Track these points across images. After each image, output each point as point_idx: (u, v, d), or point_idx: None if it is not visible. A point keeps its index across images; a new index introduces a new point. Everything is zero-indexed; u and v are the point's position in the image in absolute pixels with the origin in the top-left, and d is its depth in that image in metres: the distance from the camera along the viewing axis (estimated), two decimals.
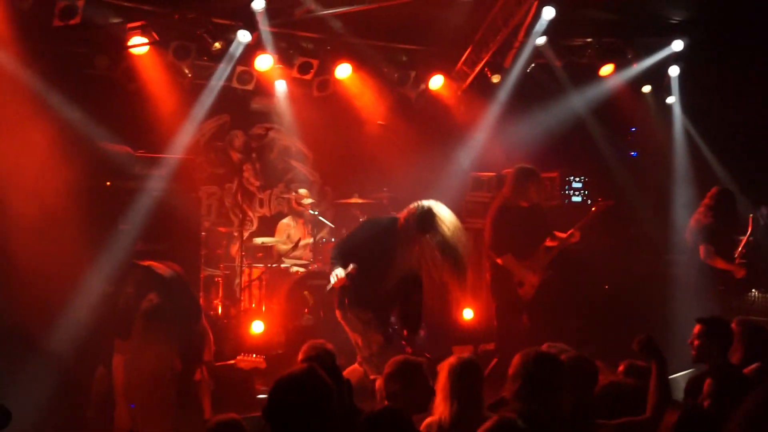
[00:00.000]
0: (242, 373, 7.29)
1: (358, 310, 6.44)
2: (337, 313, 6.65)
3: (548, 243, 7.88)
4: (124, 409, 6.04)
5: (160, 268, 6.29)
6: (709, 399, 4.11)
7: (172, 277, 6.24)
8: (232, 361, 6.86)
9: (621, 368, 4.80)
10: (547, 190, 9.40)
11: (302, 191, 9.43)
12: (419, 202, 6.26)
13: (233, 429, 3.69)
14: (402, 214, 6.35)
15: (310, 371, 3.26)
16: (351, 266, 6.23)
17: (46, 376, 6.53)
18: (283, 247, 9.06)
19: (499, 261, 7.72)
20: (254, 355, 7.10)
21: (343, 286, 6.39)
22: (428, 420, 4.27)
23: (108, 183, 7.34)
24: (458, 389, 4.21)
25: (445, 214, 6.20)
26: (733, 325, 5.21)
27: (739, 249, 7.94)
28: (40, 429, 6.05)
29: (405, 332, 6.71)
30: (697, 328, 5.03)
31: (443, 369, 4.29)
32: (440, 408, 4.23)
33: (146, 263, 6.38)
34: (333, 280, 6.29)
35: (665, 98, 10.50)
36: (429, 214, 6.17)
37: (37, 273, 7.03)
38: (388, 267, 6.36)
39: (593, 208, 8.10)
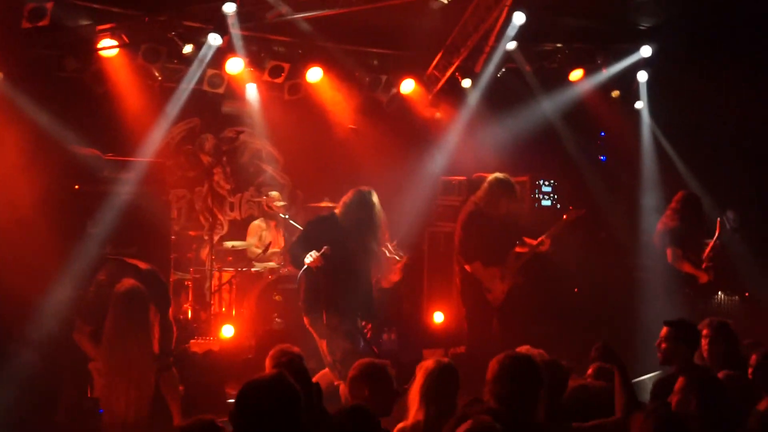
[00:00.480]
0: (216, 371, 7.30)
1: (327, 315, 6.47)
2: (305, 319, 6.67)
3: (518, 249, 7.92)
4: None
5: (133, 261, 6.32)
6: (679, 395, 4.17)
7: (145, 268, 6.27)
8: (185, 345, 6.83)
9: (590, 371, 4.86)
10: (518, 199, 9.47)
11: (274, 194, 9.41)
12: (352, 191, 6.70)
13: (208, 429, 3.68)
14: (338, 206, 6.75)
15: (278, 376, 3.25)
16: (324, 247, 6.34)
17: (14, 382, 6.47)
18: (256, 251, 9.03)
19: (467, 267, 7.75)
20: (209, 338, 7.12)
21: (311, 289, 6.41)
22: (401, 425, 4.28)
23: (77, 186, 7.28)
24: (435, 394, 4.22)
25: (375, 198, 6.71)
26: (702, 325, 5.29)
27: (706, 252, 8.04)
28: None
29: (368, 333, 6.75)
30: (664, 330, 5.07)
31: (420, 373, 4.30)
32: (414, 412, 4.24)
33: (118, 257, 6.40)
34: (308, 260, 6.36)
35: (633, 103, 10.61)
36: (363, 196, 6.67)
37: (5, 277, 6.98)
38: (342, 259, 6.48)
39: (564, 217, 8.14)
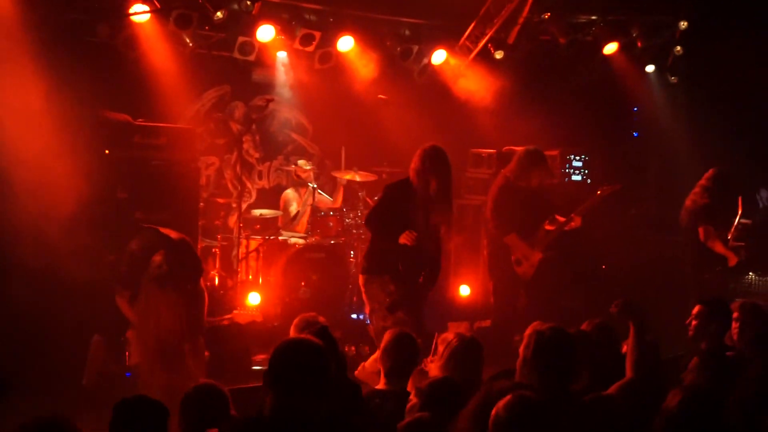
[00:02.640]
0: (241, 337, 7.35)
1: (388, 279, 6.42)
2: (361, 277, 6.61)
3: (547, 227, 7.86)
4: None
5: (166, 230, 6.35)
6: (691, 374, 4.14)
7: (177, 238, 6.29)
8: (229, 316, 6.88)
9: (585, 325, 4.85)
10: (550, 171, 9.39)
11: (302, 162, 9.41)
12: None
13: (213, 394, 3.73)
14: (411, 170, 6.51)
15: (309, 339, 3.34)
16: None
17: (43, 346, 6.57)
18: (292, 211, 9.05)
19: (505, 240, 7.70)
20: (253, 311, 7.17)
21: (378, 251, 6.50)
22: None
23: (107, 151, 7.32)
24: (460, 368, 4.21)
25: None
26: (733, 307, 5.24)
27: (732, 231, 7.93)
28: (39, 397, 6.09)
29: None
30: (696, 308, 5.04)
31: (442, 347, 4.30)
32: None
33: (151, 226, 6.43)
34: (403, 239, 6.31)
35: (668, 77, 10.44)
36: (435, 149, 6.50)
37: (36, 240, 7.06)
38: (409, 223, 6.37)
39: (598, 192, 8.08)
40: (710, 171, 8.04)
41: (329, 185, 9.95)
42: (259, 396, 3.85)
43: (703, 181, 8.00)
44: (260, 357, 7.33)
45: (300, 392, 3.13)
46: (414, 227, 6.36)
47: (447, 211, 6.50)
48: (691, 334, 5.02)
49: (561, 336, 3.90)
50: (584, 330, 4.69)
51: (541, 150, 7.81)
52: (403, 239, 6.28)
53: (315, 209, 9.22)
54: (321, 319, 4.80)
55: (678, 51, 10.14)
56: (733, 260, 7.76)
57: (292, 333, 4.81)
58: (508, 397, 3.14)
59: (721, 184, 7.90)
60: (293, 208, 9.26)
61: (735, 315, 5.18)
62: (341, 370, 4.06)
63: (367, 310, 6.63)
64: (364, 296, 6.60)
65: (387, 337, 4.64)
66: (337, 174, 9.41)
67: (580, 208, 7.87)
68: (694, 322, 5.02)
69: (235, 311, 7.22)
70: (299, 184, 9.41)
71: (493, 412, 3.11)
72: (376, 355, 5.08)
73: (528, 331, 4.00)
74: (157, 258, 6.12)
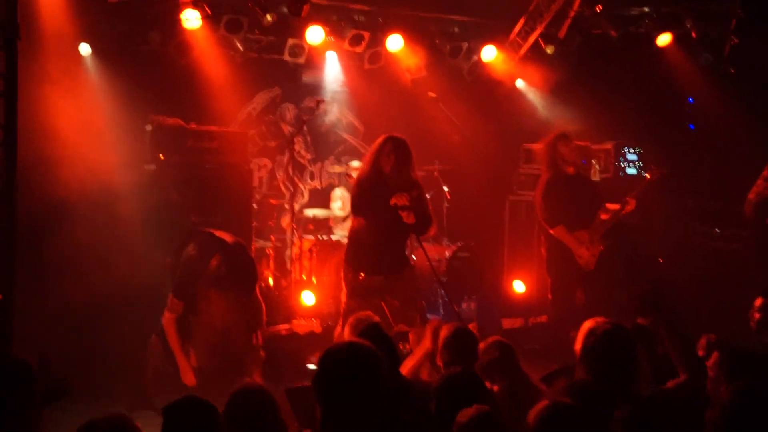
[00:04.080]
0: (296, 339, 7.39)
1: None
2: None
3: (603, 216, 7.78)
4: (186, 365, 6.17)
5: (221, 234, 6.40)
6: (712, 371, 4.01)
7: (233, 243, 6.35)
8: (288, 325, 6.93)
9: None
10: (601, 161, 9.28)
11: (355, 163, 9.44)
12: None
13: (258, 396, 3.70)
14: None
15: (357, 342, 3.26)
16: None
17: (101, 348, 6.70)
18: (339, 214, 9.09)
19: (552, 232, 7.65)
20: (313, 320, 7.20)
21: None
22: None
23: (161, 156, 7.44)
24: (494, 370, 4.18)
25: None
26: None
27: None
28: (98, 399, 6.22)
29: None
30: (759, 300, 4.92)
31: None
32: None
33: (207, 229, 6.50)
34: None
35: (725, 69, 10.22)
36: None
37: (95, 246, 7.23)
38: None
39: (647, 176, 7.97)
40: None
41: None
42: (307, 398, 3.88)
43: (765, 172, 7.80)
44: (314, 356, 7.37)
45: (352, 403, 3.05)
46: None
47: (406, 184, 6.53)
48: (754, 328, 4.89)
49: (616, 332, 3.78)
50: (642, 324, 4.57)
51: (558, 131, 7.78)
52: (395, 200, 6.30)
53: None
54: (376, 318, 4.81)
55: (734, 41, 9.91)
56: None
57: (347, 333, 4.82)
58: (544, 402, 3.09)
59: None
60: (340, 208, 9.29)
61: None
62: (393, 368, 4.07)
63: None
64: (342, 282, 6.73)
65: (445, 332, 4.61)
66: None
67: (633, 193, 7.77)
68: (757, 315, 4.90)
69: (294, 320, 7.25)
70: (351, 184, 9.44)
71: (529, 417, 3.07)
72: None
73: (583, 328, 3.92)
74: (214, 261, 6.18)
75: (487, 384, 4.08)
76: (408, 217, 6.34)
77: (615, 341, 3.75)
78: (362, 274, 6.54)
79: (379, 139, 6.72)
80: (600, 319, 3.91)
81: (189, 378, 6.20)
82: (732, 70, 10.02)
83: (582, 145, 8.66)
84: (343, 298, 6.71)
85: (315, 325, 7.16)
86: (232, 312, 6.23)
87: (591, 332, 3.82)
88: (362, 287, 6.53)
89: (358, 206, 6.59)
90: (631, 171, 9.43)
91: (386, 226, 6.42)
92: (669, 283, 9.00)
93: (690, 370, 3.85)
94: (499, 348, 4.36)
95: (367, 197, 6.49)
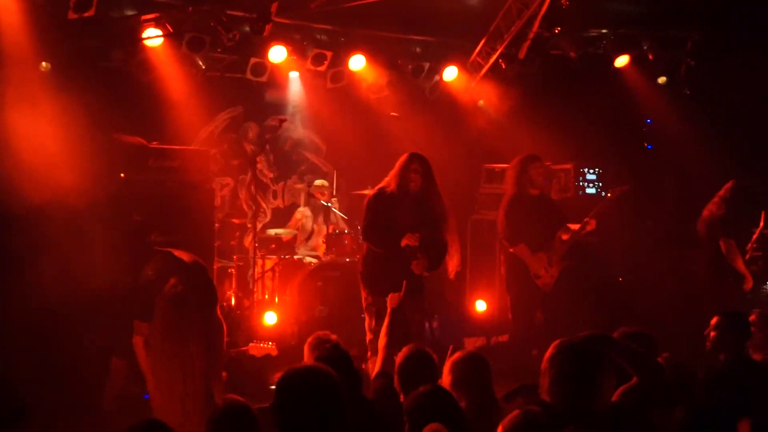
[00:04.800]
0: (254, 361, 7.34)
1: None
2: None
3: (563, 237, 7.84)
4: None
5: (180, 253, 6.34)
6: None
7: (191, 263, 6.28)
8: (244, 348, 6.88)
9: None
10: (561, 181, 9.38)
11: (318, 182, 9.44)
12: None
13: (241, 414, 3.68)
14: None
15: (315, 366, 3.25)
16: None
17: (61, 369, 6.60)
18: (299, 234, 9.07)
19: (511, 250, 7.70)
20: (269, 343, 7.15)
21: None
22: None
23: (122, 175, 7.37)
24: (466, 385, 4.17)
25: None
26: (752, 317, 5.21)
27: (751, 243, 7.86)
28: (57, 422, 6.12)
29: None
30: (715, 319, 5.01)
31: (447, 366, 4.25)
32: None
33: (165, 249, 6.43)
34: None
35: (681, 90, 10.41)
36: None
37: (55, 265, 7.13)
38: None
39: (608, 194, 8.07)
40: (729, 183, 7.98)
41: (344, 203, 9.97)
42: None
43: (721, 192, 7.93)
44: (277, 376, 7.32)
45: (311, 428, 3.04)
46: (403, 230, 6.56)
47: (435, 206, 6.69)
48: (709, 346, 4.98)
49: (578, 351, 3.77)
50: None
51: (531, 153, 7.86)
52: (406, 241, 6.45)
53: (329, 227, 9.24)
54: (333, 336, 4.78)
55: (690, 63, 10.10)
56: (749, 283, 7.63)
57: (306, 352, 4.79)
58: (515, 412, 3.11)
59: (739, 196, 7.83)
60: (307, 226, 9.28)
61: (753, 322, 5.17)
62: (356, 389, 4.05)
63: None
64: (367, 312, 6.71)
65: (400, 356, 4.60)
66: (356, 193, 9.43)
67: (593, 212, 7.85)
68: (712, 334, 4.99)
69: (251, 344, 7.21)
70: (313, 203, 9.43)
71: (499, 429, 3.08)
72: None
73: (549, 349, 3.95)
74: (172, 281, 6.12)
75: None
76: (417, 267, 6.50)
77: (571, 360, 3.73)
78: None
79: (403, 157, 6.83)
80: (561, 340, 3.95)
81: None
82: (687, 91, 10.23)
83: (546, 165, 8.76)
84: (371, 325, 6.69)
85: (271, 348, 7.12)
86: (189, 332, 6.17)
87: (551, 353, 3.85)
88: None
89: (376, 226, 6.65)
90: (591, 191, 9.55)
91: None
92: (629, 303, 9.12)
93: (641, 373, 3.82)
94: (474, 362, 4.32)
95: (388, 216, 6.59)
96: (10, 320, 6.92)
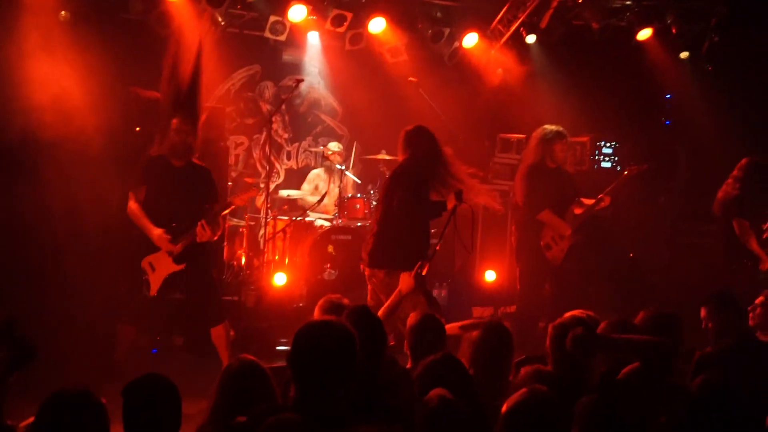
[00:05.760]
0: (266, 319, 7.39)
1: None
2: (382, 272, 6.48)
3: (576, 211, 7.81)
4: None
5: None
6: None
7: None
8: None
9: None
10: (577, 154, 9.32)
11: (333, 145, 9.40)
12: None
13: (254, 372, 3.69)
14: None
15: (332, 321, 3.22)
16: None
17: (72, 319, 6.67)
18: (310, 200, 9.06)
19: (538, 217, 7.63)
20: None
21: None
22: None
23: (137, 128, 7.36)
24: (484, 358, 4.17)
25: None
26: (759, 299, 5.20)
27: (767, 224, 7.81)
28: (65, 368, 6.17)
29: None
30: (704, 310, 5.00)
31: (466, 338, 4.26)
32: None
33: None
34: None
35: (704, 65, 10.29)
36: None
37: (75, 209, 7.19)
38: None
39: (626, 172, 8.02)
40: (743, 160, 7.91)
41: (357, 167, 9.95)
42: (284, 376, 3.86)
43: (735, 171, 7.87)
44: (284, 338, 7.37)
45: (326, 383, 3.01)
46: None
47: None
48: (711, 338, 4.96)
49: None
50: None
51: (560, 128, 7.77)
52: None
53: (342, 191, 9.21)
54: (345, 300, 4.78)
55: (714, 38, 9.97)
56: (765, 263, 7.59)
57: (317, 314, 4.79)
58: (522, 391, 3.13)
59: (753, 174, 7.76)
60: (320, 188, 9.26)
61: (762, 303, 5.16)
62: (380, 350, 4.03)
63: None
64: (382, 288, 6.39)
65: (412, 319, 4.59)
66: (370, 157, 9.39)
67: (608, 188, 7.82)
68: (710, 324, 4.98)
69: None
70: (327, 165, 9.40)
71: (505, 406, 3.09)
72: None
73: (550, 325, 4.03)
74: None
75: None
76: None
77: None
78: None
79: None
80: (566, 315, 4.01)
81: None
82: (710, 67, 10.10)
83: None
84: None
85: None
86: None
87: (553, 328, 3.96)
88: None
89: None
90: (606, 165, 9.48)
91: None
92: (639, 277, 9.11)
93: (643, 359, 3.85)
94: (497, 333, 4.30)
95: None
96: (18, 256, 7.01)
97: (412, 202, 6.36)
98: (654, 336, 3.81)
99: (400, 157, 6.55)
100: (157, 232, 6.25)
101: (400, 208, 6.35)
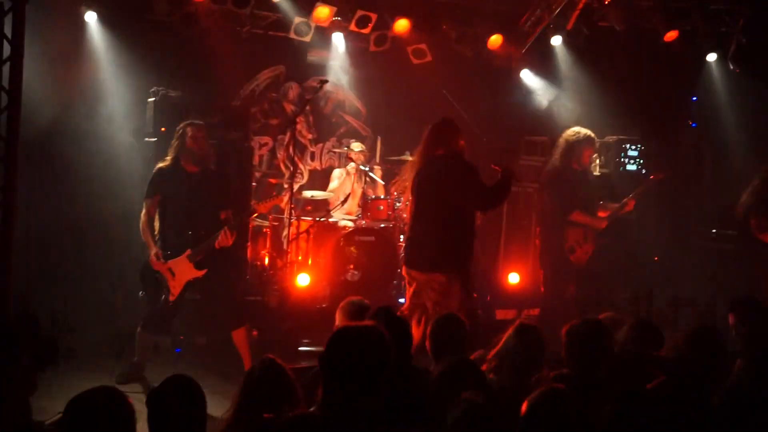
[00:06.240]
0: (289, 320, 7.41)
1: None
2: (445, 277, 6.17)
3: (600, 213, 7.79)
4: None
5: None
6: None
7: None
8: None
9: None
10: (602, 156, 9.27)
11: (356, 145, 9.39)
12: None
13: (278, 373, 3.68)
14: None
15: (374, 327, 3.21)
16: None
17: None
18: (333, 198, 9.04)
19: (571, 218, 7.59)
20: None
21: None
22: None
23: (163, 129, 7.41)
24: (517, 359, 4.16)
25: None
26: None
27: None
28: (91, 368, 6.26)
29: None
30: (732, 317, 4.97)
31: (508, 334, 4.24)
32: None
33: None
34: None
35: (731, 68, 10.19)
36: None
37: (95, 214, 7.30)
38: None
39: (651, 177, 7.99)
40: (765, 168, 7.85)
41: (381, 168, 9.93)
42: (307, 377, 3.87)
43: (756, 180, 7.82)
44: (307, 338, 7.39)
45: (357, 388, 3.02)
46: None
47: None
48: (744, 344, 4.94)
49: (595, 328, 4.03)
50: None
51: (590, 133, 7.73)
52: None
53: (365, 192, 9.21)
54: (367, 302, 4.77)
55: (741, 40, 9.86)
56: None
57: (338, 316, 4.79)
58: (541, 389, 3.15)
59: None
60: (344, 189, 9.25)
61: None
62: (406, 357, 4.03)
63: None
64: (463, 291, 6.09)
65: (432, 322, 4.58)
66: (394, 158, 9.37)
67: (633, 193, 7.80)
68: (743, 330, 4.94)
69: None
70: (351, 166, 9.39)
71: (524, 405, 3.11)
72: None
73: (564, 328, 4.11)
74: None
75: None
76: None
77: (592, 337, 3.99)
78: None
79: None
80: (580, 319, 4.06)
81: None
82: (737, 70, 9.99)
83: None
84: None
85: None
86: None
87: (567, 331, 4.08)
88: None
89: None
90: (632, 167, 9.40)
91: None
92: (663, 282, 9.03)
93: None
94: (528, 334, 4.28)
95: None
96: (42, 255, 7.14)
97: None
98: (692, 352, 3.86)
99: (436, 151, 6.20)
100: (152, 252, 6.26)
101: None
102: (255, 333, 7.02)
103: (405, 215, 8.63)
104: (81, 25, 8.00)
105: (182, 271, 6.27)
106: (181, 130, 6.40)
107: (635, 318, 4.53)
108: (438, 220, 6.06)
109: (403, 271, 6.34)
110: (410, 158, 9.01)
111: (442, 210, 6.06)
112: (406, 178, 6.44)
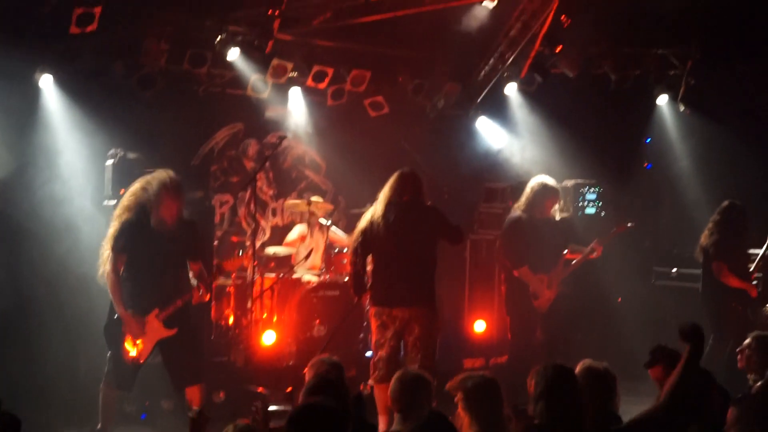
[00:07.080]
0: (238, 365, 7.34)
1: None
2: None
3: (569, 255, 7.85)
4: None
5: None
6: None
7: None
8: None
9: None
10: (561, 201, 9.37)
11: (316, 198, 9.39)
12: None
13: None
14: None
15: (323, 406, 3.29)
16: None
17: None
18: (298, 252, 8.99)
19: (515, 273, 7.67)
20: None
21: None
22: None
23: (122, 191, 7.35)
24: (480, 410, 4.15)
25: None
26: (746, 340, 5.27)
27: (755, 264, 7.87)
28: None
29: None
30: (748, 339, 5.23)
31: (459, 393, 4.23)
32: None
33: None
34: None
35: (681, 109, 10.41)
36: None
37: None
38: None
39: (615, 229, 8.16)
40: (723, 204, 8.00)
41: (343, 222, 9.94)
42: None
43: (716, 215, 7.97)
44: (274, 396, 7.29)
45: None
46: None
47: None
48: (741, 366, 5.18)
49: (563, 372, 4.00)
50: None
51: (554, 185, 7.80)
52: None
53: (329, 246, 9.18)
54: (336, 359, 4.75)
55: (690, 82, 10.09)
56: (753, 292, 7.69)
57: (308, 373, 4.76)
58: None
59: (732, 217, 7.86)
60: (307, 244, 9.21)
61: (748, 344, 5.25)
62: (359, 411, 4.02)
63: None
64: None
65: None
66: (356, 211, 9.38)
67: (598, 239, 7.88)
68: (746, 352, 5.20)
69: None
70: (312, 221, 9.37)
71: None
72: None
73: (534, 370, 4.10)
74: None
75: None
76: None
77: (559, 382, 3.97)
78: None
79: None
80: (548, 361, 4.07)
81: None
82: (687, 111, 10.22)
83: None
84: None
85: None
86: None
87: (536, 374, 4.05)
88: None
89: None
90: (591, 210, 9.53)
91: None
92: (626, 323, 9.10)
93: (672, 396, 3.97)
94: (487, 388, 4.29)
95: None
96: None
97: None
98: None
99: (402, 198, 6.60)
100: (120, 311, 6.14)
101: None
102: (222, 395, 6.92)
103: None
104: (36, 89, 7.96)
105: (152, 329, 6.17)
106: (156, 183, 6.22)
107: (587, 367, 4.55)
108: (415, 258, 6.51)
109: (373, 312, 6.55)
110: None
111: (419, 249, 6.52)
112: (367, 220, 6.65)
